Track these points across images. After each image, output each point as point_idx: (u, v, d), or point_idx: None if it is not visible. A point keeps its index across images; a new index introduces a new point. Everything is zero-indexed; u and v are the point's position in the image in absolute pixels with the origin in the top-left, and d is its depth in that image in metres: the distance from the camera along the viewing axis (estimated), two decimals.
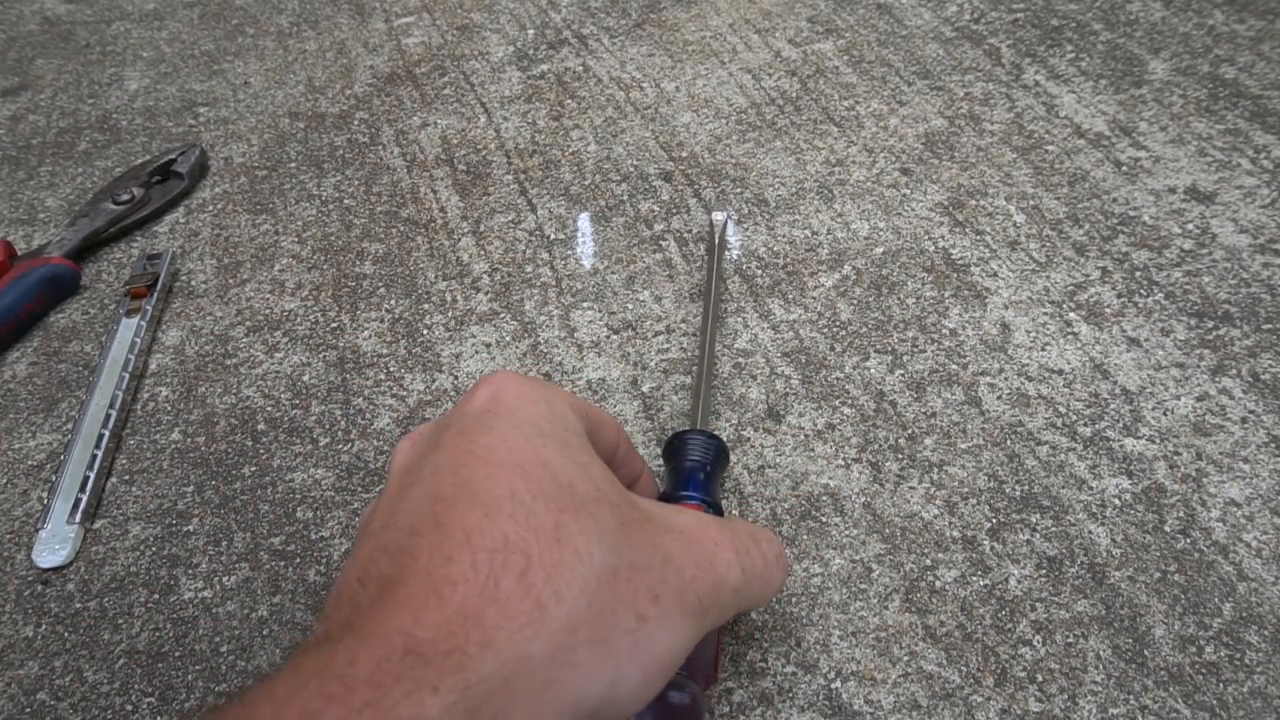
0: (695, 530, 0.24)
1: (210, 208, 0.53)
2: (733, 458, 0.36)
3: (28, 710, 0.32)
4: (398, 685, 0.17)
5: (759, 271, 0.44)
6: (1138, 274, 0.42)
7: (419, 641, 0.18)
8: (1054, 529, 0.33)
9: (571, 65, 0.60)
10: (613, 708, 0.20)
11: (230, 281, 0.48)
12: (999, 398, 0.37)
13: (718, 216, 0.46)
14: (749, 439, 0.37)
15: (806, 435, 0.37)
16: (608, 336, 0.42)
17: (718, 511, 0.30)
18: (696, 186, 0.49)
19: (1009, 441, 0.36)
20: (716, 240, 0.44)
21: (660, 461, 0.34)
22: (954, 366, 0.39)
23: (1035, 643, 0.30)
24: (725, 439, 0.37)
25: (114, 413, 0.41)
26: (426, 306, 0.45)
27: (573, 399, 0.26)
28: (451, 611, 0.18)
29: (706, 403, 0.36)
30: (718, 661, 0.28)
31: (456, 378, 0.41)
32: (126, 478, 0.39)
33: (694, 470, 0.31)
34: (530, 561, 0.19)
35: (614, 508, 0.22)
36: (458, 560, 0.19)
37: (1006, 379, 0.38)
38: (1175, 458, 0.35)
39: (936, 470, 0.35)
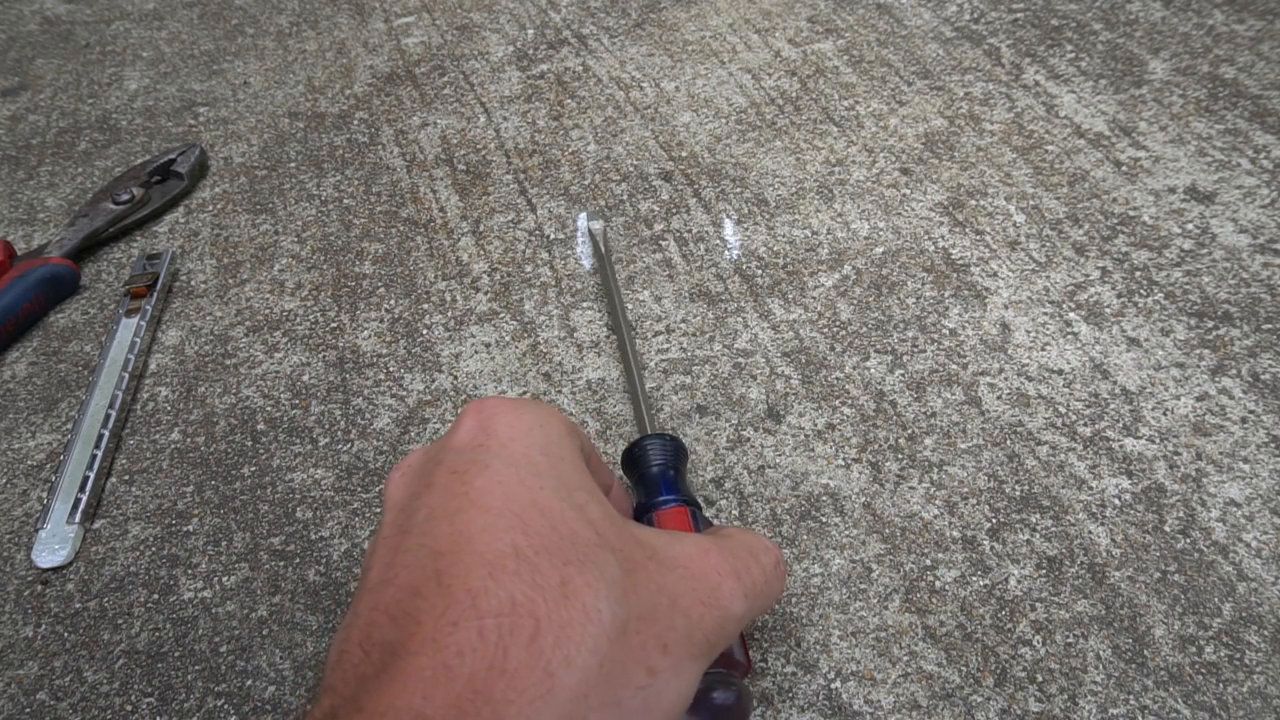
0: (697, 563, 0.23)
1: (210, 208, 0.53)
2: (733, 457, 0.36)
3: (28, 710, 0.32)
4: None
5: (759, 271, 0.44)
6: (1138, 274, 0.42)
7: None
8: (1054, 529, 0.33)
9: (571, 65, 0.60)
10: None
11: (230, 281, 0.48)
12: (999, 398, 0.37)
13: (595, 225, 0.47)
14: (749, 439, 0.37)
15: (806, 435, 0.37)
16: (607, 336, 0.42)
17: (696, 505, 0.30)
18: (696, 186, 0.49)
19: (1009, 441, 0.36)
20: (602, 248, 0.45)
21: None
22: (954, 366, 0.39)
23: (1035, 643, 0.30)
24: (725, 439, 0.37)
25: (114, 413, 0.41)
26: (426, 306, 0.45)
27: (564, 417, 0.25)
28: (461, 687, 0.17)
29: (647, 406, 0.36)
30: (746, 648, 0.28)
31: (456, 378, 0.41)
32: (126, 478, 0.39)
33: (662, 473, 0.31)
34: (539, 625, 0.19)
35: (616, 552, 0.21)
36: (464, 626, 0.18)
37: (1006, 379, 0.38)
38: (1175, 458, 0.35)
39: (936, 470, 0.35)
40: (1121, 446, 0.35)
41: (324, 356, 0.43)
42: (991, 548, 0.33)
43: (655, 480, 0.31)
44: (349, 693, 0.18)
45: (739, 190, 0.49)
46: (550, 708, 0.18)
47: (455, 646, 0.18)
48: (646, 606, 0.21)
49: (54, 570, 0.36)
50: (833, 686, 0.30)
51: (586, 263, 0.46)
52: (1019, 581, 0.32)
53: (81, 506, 0.37)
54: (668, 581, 0.22)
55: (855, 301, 0.42)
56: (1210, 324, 0.39)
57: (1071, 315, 0.40)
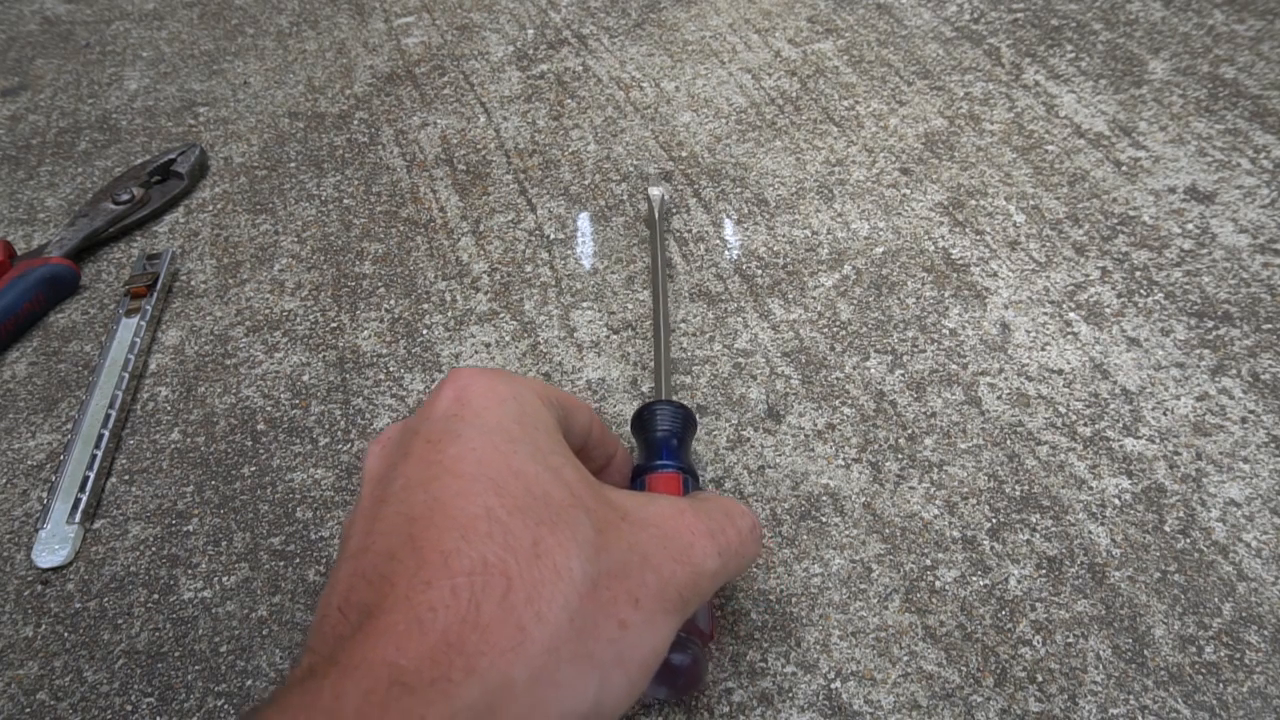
0: (671, 521, 0.24)
1: (210, 208, 0.53)
2: (733, 457, 0.36)
3: (28, 710, 0.32)
4: (385, 717, 0.17)
5: (759, 271, 0.44)
6: (1138, 274, 0.42)
7: (403, 671, 0.17)
8: (1054, 529, 0.33)
9: (571, 65, 0.60)
10: (601, 716, 0.20)
11: (230, 281, 0.48)
12: (999, 398, 0.37)
13: (654, 191, 0.47)
14: (749, 439, 0.37)
15: (806, 435, 0.37)
16: (607, 336, 0.42)
17: (691, 475, 0.31)
18: (696, 186, 0.49)
19: (1009, 441, 0.36)
20: (657, 215, 0.45)
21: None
22: (954, 366, 0.39)
23: (1035, 643, 0.30)
24: (725, 439, 0.37)
25: (114, 413, 0.41)
26: (426, 306, 0.45)
27: (542, 388, 0.26)
28: (434, 640, 0.18)
29: (668, 374, 0.37)
30: (713, 619, 0.28)
31: None
32: (126, 478, 0.39)
33: (665, 439, 0.32)
34: (510, 583, 0.19)
35: (590, 512, 0.22)
36: (437, 585, 0.19)
37: (1006, 379, 0.38)
38: (1175, 458, 0.35)
39: (936, 470, 0.35)
40: (1121, 446, 0.35)
41: (324, 356, 0.43)
42: (991, 548, 0.33)
43: (657, 445, 0.32)
44: (327, 651, 0.19)
45: (739, 190, 0.49)
46: (522, 660, 0.18)
47: (428, 603, 0.18)
48: (618, 563, 0.21)
49: (54, 570, 0.36)
50: (833, 686, 0.30)
51: (586, 263, 0.46)
52: (1019, 581, 0.32)
53: (81, 506, 0.37)
54: (640, 539, 0.23)
55: (855, 301, 0.42)
56: (1210, 324, 0.39)
57: (1071, 315, 0.40)
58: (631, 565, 0.22)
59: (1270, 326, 0.39)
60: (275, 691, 0.19)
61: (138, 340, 0.44)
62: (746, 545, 0.25)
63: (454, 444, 0.22)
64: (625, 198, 0.49)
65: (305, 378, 0.42)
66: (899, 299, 0.42)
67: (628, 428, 0.38)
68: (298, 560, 0.35)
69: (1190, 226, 0.44)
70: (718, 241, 0.46)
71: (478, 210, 0.50)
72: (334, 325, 0.45)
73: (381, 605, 0.19)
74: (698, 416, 0.38)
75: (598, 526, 0.22)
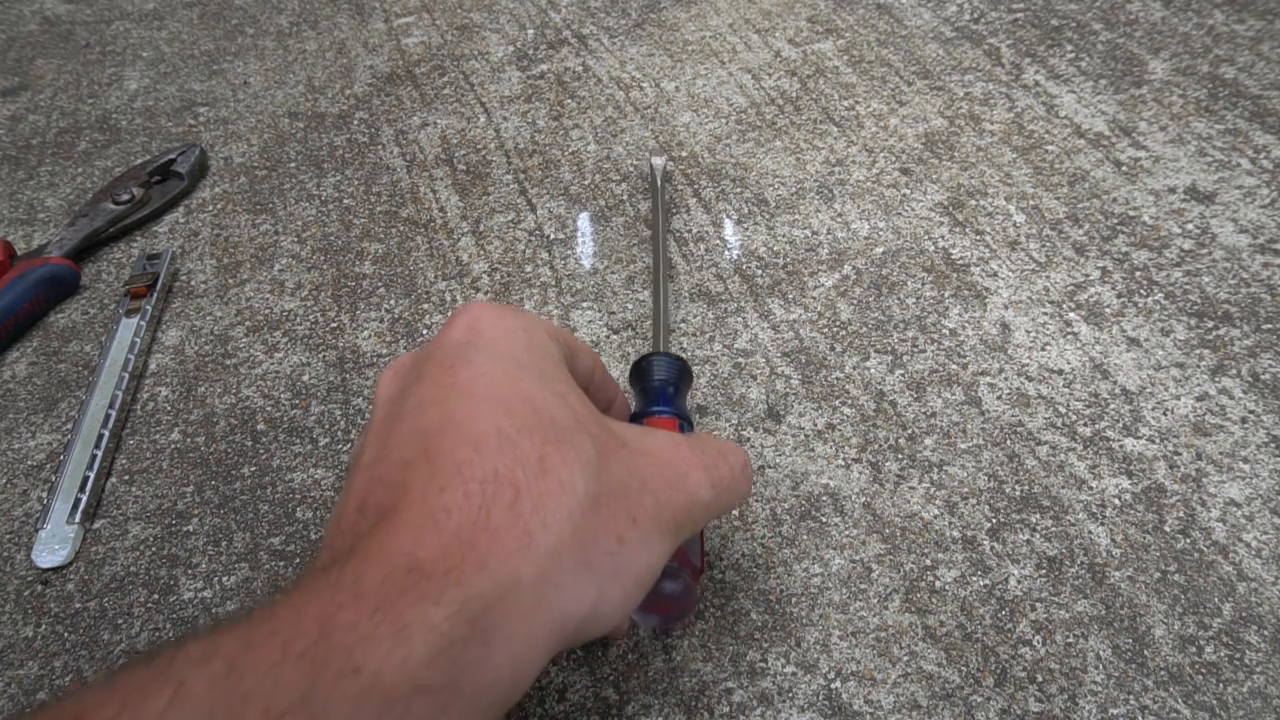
0: (668, 452, 0.25)
1: (210, 208, 0.53)
2: None
3: (28, 711, 0.32)
4: (403, 597, 0.18)
5: (759, 271, 0.44)
6: (1138, 274, 0.42)
7: (420, 561, 0.19)
8: (1054, 529, 0.33)
9: (571, 65, 0.60)
10: (597, 621, 0.22)
11: (230, 281, 0.48)
12: (999, 398, 0.37)
13: (656, 161, 0.49)
14: (749, 439, 0.37)
15: (806, 435, 0.37)
16: (608, 336, 0.42)
17: (687, 421, 0.32)
18: (696, 186, 0.49)
19: (1009, 441, 0.36)
20: (659, 182, 0.47)
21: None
22: (954, 366, 0.39)
23: (1035, 643, 0.30)
24: (725, 439, 0.37)
25: (114, 413, 0.41)
26: (426, 306, 0.45)
27: (549, 326, 0.27)
28: (448, 536, 0.19)
29: (665, 328, 0.39)
30: (703, 555, 0.29)
31: None
32: (126, 478, 0.39)
33: (661, 387, 0.33)
34: (518, 492, 0.20)
35: (593, 436, 0.23)
36: (451, 490, 0.20)
37: (1006, 379, 0.38)
38: (1175, 458, 0.35)
39: (936, 470, 0.35)
40: (1121, 446, 0.35)
41: (324, 356, 0.43)
42: (991, 548, 0.33)
43: (654, 393, 0.33)
44: (346, 546, 0.20)
45: (739, 190, 0.49)
46: (529, 561, 0.20)
47: (443, 505, 0.20)
48: (618, 484, 0.23)
49: (54, 570, 0.36)
50: (833, 686, 0.30)
51: (586, 263, 0.46)
52: (1019, 581, 0.32)
53: (81, 506, 0.37)
54: (638, 465, 0.24)
55: (855, 301, 0.42)
56: (1210, 324, 0.39)
57: (1071, 315, 0.40)
58: (630, 487, 0.23)
59: (1270, 326, 0.39)
60: (299, 578, 0.20)
61: (138, 340, 0.44)
62: (738, 481, 0.26)
63: (466, 368, 0.23)
64: (625, 198, 0.49)
65: (305, 378, 0.42)
66: (899, 299, 0.42)
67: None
68: (298, 560, 0.35)
69: (1190, 226, 0.44)
70: (718, 241, 0.46)
71: (478, 210, 0.50)
72: (334, 325, 0.45)
73: (398, 506, 0.20)
74: (698, 418, 0.38)
75: (600, 450, 0.23)
